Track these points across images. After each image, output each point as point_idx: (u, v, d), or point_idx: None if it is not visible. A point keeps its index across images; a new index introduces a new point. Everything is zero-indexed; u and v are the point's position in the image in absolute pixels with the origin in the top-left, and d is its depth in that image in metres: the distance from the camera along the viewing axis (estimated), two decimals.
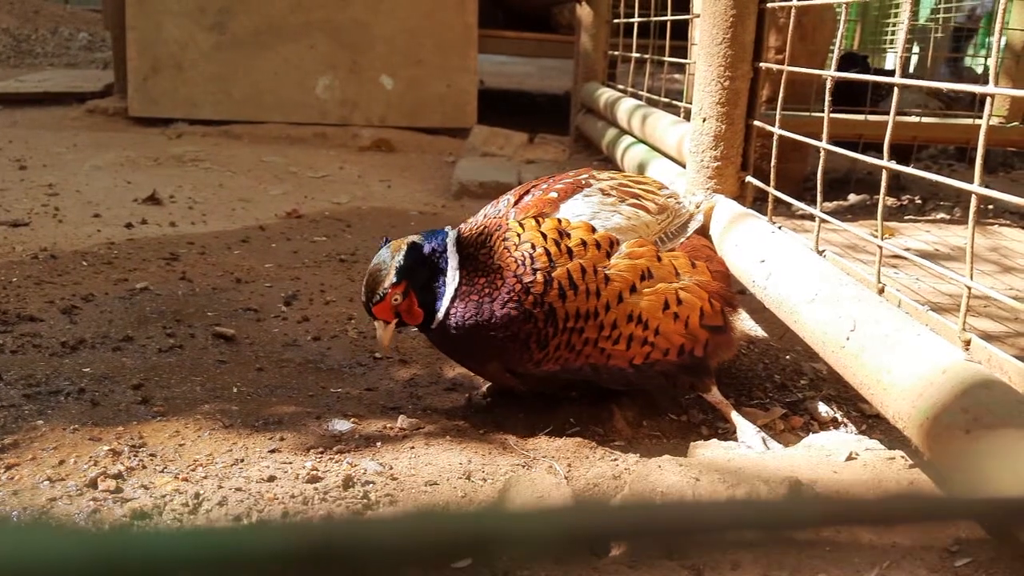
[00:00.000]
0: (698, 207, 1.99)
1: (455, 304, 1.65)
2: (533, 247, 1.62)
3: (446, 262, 1.67)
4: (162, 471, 1.51)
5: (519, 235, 1.64)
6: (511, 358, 1.68)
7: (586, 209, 1.70)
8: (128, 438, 1.61)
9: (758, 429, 1.73)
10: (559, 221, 1.66)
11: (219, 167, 4.32)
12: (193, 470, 1.52)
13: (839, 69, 1.74)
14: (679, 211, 1.87)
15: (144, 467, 1.52)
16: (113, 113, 5.55)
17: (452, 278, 1.66)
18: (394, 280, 1.63)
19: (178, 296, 2.41)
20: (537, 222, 1.67)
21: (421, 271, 1.66)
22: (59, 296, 2.34)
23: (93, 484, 1.44)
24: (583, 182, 1.79)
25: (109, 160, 4.30)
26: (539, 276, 1.61)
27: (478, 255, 1.66)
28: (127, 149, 4.57)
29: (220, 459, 1.57)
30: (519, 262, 1.62)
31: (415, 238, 1.70)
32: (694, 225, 1.89)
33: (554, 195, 1.74)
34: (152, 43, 5.24)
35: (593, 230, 1.66)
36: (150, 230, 3.11)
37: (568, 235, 1.64)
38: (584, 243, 1.64)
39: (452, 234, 1.71)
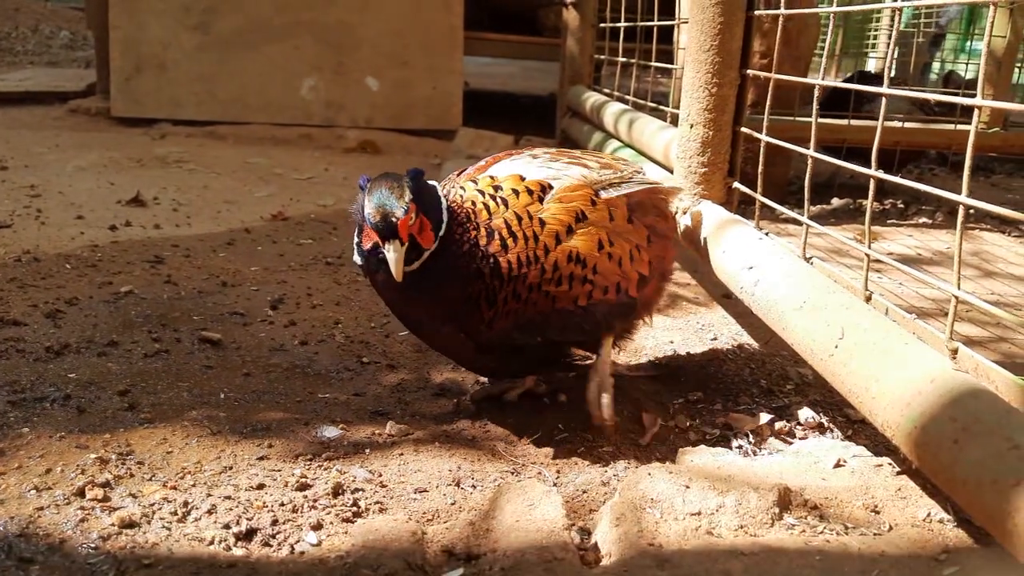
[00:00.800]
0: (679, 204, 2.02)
1: (441, 243, 1.61)
2: (473, 203, 1.66)
3: (439, 200, 1.64)
4: (150, 479, 1.50)
5: (461, 196, 1.68)
6: (465, 320, 1.68)
7: (516, 166, 1.75)
8: (115, 446, 1.60)
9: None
10: (492, 178, 1.71)
11: (203, 168, 4.30)
12: (181, 478, 1.52)
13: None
14: (631, 175, 1.86)
15: (132, 475, 1.51)
16: (96, 113, 5.50)
17: (445, 212, 1.63)
18: (410, 197, 1.56)
19: (163, 300, 2.40)
20: (475, 182, 1.71)
21: (424, 196, 1.61)
22: (43, 300, 2.32)
23: (81, 493, 1.43)
24: (514, 152, 1.84)
25: (92, 161, 4.27)
26: (482, 231, 1.63)
27: (450, 206, 1.67)
28: (110, 150, 4.53)
29: (208, 467, 1.56)
30: (466, 218, 1.65)
31: (411, 172, 1.65)
32: (639, 185, 1.87)
33: (484, 164, 1.80)
34: (135, 42, 5.20)
35: (522, 178, 1.70)
36: (134, 232, 3.09)
37: (500, 187, 1.68)
38: (516, 191, 1.67)
39: (437, 184, 1.72)
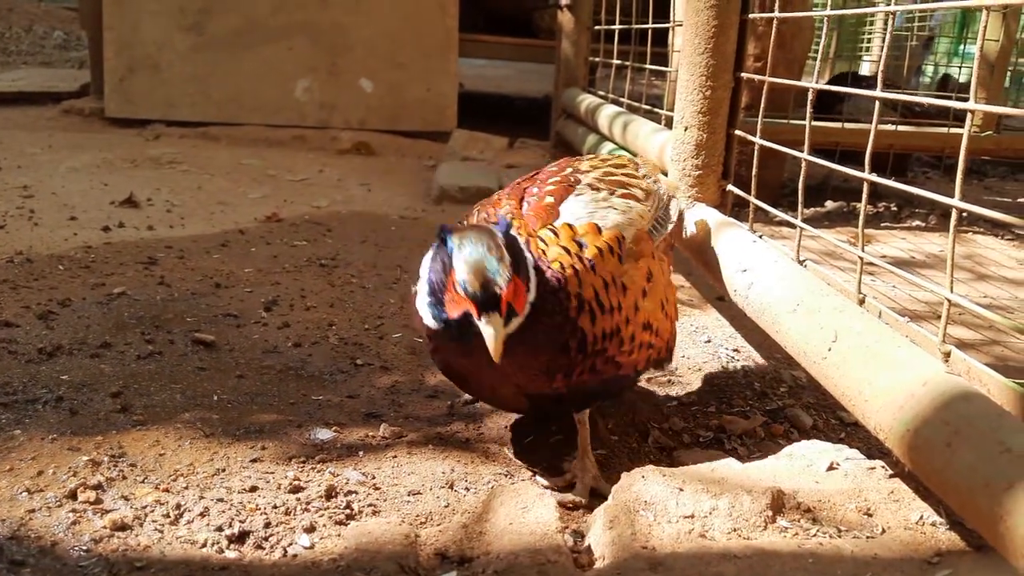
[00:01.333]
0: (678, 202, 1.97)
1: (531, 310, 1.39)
2: (562, 266, 1.45)
3: (526, 257, 1.42)
4: (143, 481, 1.50)
5: (544, 252, 1.47)
6: (531, 384, 1.49)
7: (583, 209, 1.59)
8: (108, 448, 1.59)
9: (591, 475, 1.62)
10: (570, 228, 1.53)
11: (197, 169, 4.29)
12: (174, 480, 1.51)
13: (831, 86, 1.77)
14: (660, 194, 1.80)
15: (124, 477, 1.51)
16: (89, 114, 5.49)
17: (533, 273, 1.41)
18: (510, 260, 1.33)
19: (156, 301, 2.39)
20: (555, 234, 1.51)
21: (514, 252, 1.38)
22: (35, 301, 2.31)
23: (73, 495, 1.42)
24: (570, 178, 1.69)
25: (85, 161, 4.26)
26: (573, 301, 1.44)
27: (537, 265, 1.45)
28: (103, 150, 4.52)
29: (201, 469, 1.56)
30: (557, 284, 1.43)
31: (499, 227, 1.43)
32: (674, 208, 1.84)
33: (551, 200, 1.61)
34: (129, 43, 5.19)
35: (599, 230, 1.54)
36: (127, 233, 3.08)
37: (582, 245, 1.50)
38: (600, 251, 1.50)
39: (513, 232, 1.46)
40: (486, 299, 1.29)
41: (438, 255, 1.42)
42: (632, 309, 1.52)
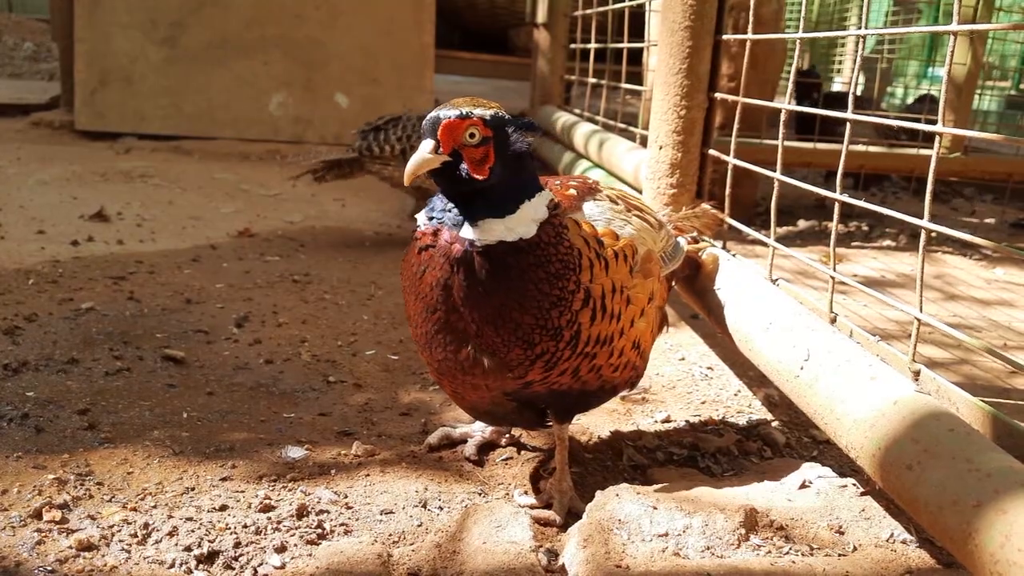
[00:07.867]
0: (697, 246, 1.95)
1: (530, 237, 1.34)
2: (580, 253, 1.41)
3: (536, 181, 1.41)
4: (110, 500, 1.47)
5: (566, 232, 1.42)
6: (505, 367, 1.39)
7: (602, 215, 1.53)
8: (74, 466, 1.57)
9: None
10: (592, 225, 1.48)
11: (169, 183, 4.25)
12: (142, 499, 1.48)
13: (796, 86, 1.79)
14: (669, 231, 1.77)
15: (91, 496, 1.48)
16: (59, 126, 5.43)
17: (540, 203, 1.38)
18: (486, 116, 1.32)
19: (126, 317, 2.36)
20: (578, 224, 1.45)
21: (509, 143, 1.36)
22: (1, 316, 2.28)
23: (37, 515, 1.39)
24: (592, 185, 1.63)
25: (54, 175, 4.20)
26: (581, 292, 1.40)
27: (554, 219, 1.40)
28: (73, 163, 4.47)
29: (170, 488, 1.53)
30: (564, 248, 1.39)
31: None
32: (681, 247, 1.81)
33: (574, 193, 1.55)
34: (101, 55, 5.15)
35: (615, 236, 1.50)
36: (97, 248, 3.04)
37: (601, 242, 1.46)
38: (616, 254, 1.47)
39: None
40: (429, 126, 1.30)
41: None
42: (628, 323, 1.49)
